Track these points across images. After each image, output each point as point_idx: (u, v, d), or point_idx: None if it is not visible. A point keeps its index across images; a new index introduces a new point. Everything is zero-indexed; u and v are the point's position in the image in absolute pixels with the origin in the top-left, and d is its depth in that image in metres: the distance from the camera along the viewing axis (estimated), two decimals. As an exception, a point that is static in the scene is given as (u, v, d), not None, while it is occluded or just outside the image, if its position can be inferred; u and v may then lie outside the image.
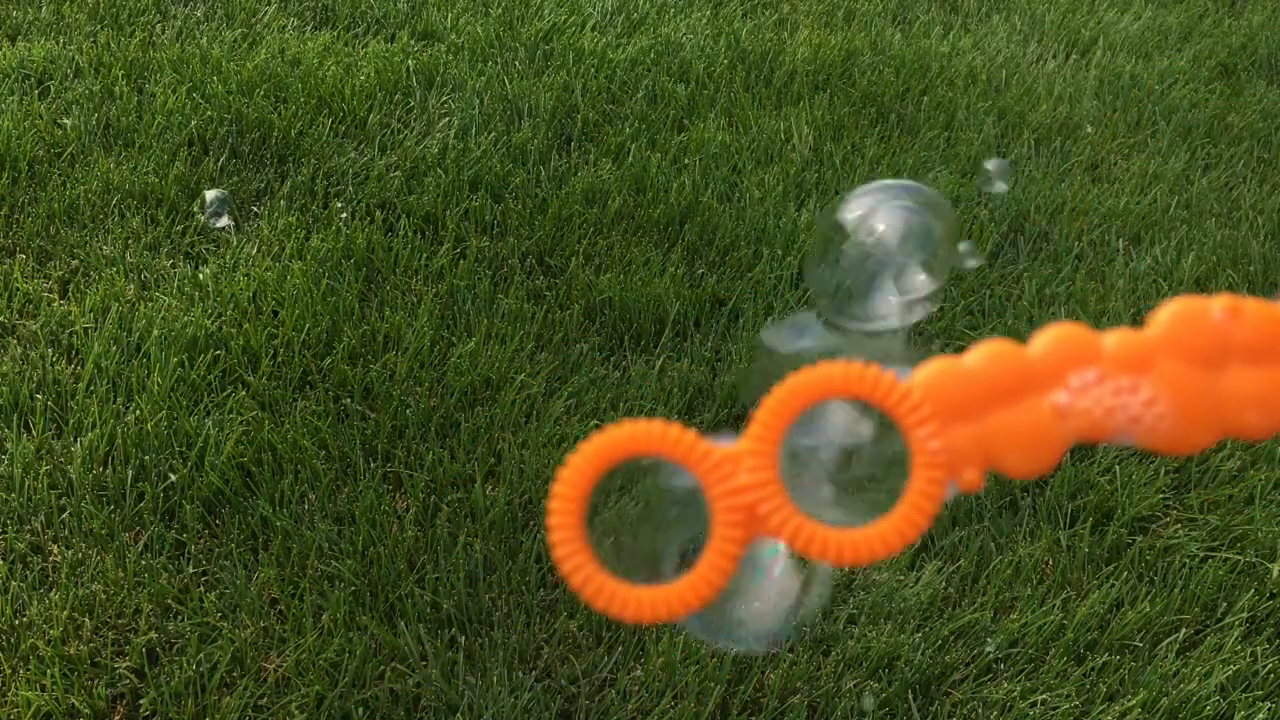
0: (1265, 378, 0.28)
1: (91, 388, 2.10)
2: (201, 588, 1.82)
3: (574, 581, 0.29)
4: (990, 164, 1.80)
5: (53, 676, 1.67)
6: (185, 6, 3.32)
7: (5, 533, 1.87)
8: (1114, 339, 0.29)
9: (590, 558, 0.28)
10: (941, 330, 2.46)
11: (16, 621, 1.74)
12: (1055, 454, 0.28)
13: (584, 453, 0.29)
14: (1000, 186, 1.79)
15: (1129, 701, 1.80)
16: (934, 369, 0.28)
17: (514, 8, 3.51)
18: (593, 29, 3.45)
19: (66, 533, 1.87)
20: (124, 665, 1.71)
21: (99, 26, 3.19)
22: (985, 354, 0.29)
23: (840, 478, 0.29)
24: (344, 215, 2.59)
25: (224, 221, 2.55)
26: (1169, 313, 0.29)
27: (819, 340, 0.33)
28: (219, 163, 2.72)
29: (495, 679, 1.72)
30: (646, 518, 0.30)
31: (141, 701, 1.68)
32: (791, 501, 0.27)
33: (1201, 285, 2.69)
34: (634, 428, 0.29)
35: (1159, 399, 0.28)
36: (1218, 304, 0.29)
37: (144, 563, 1.83)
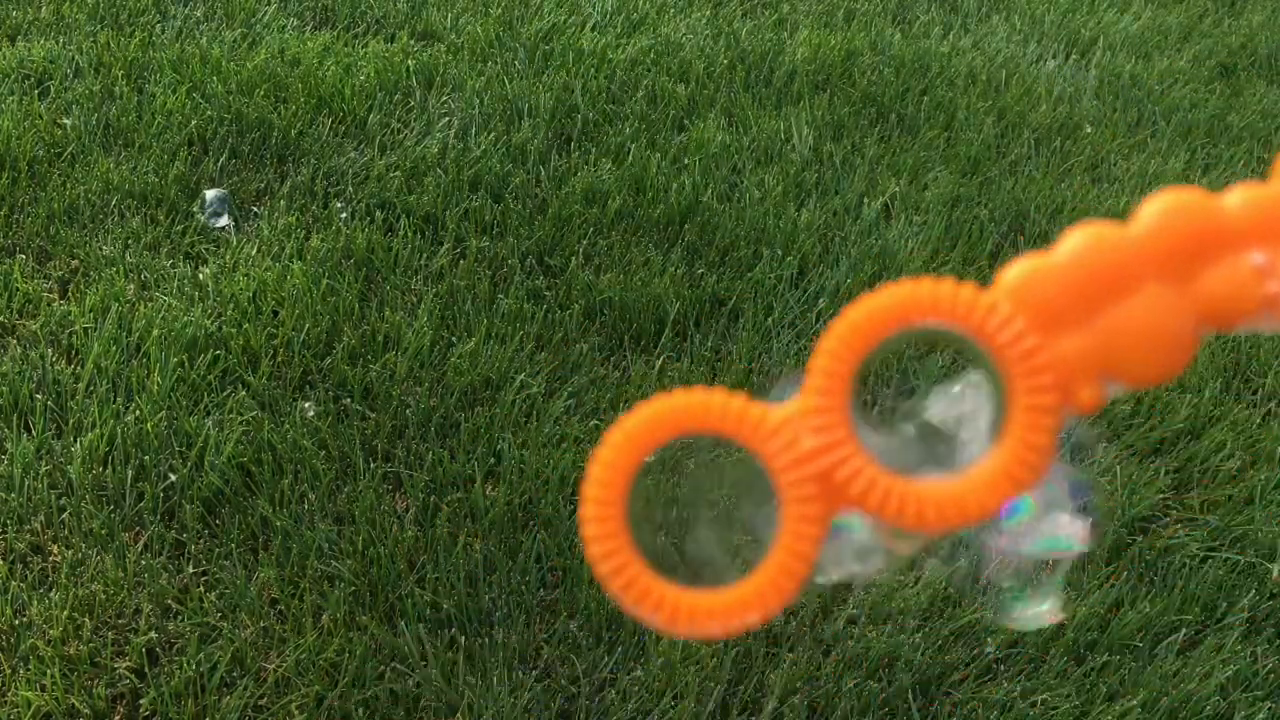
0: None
1: (91, 388, 2.10)
2: (201, 588, 1.82)
3: (626, 598, 0.24)
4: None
5: (53, 676, 1.67)
6: (185, 6, 3.32)
7: (5, 533, 1.87)
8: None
9: (640, 563, 0.23)
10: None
11: (16, 621, 1.74)
12: (1189, 351, 0.24)
13: (623, 431, 0.25)
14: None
15: (1129, 702, 1.80)
16: (1021, 269, 0.24)
17: (514, 8, 3.50)
18: (593, 29, 3.45)
19: (66, 533, 1.87)
20: (124, 665, 1.71)
21: (99, 26, 3.19)
22: (1083, 240, 0.24)
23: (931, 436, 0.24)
24: (344, 215, 2.59)
25: (224, 221, 2.55)
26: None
27: None
28: (219, 163, 2.72)
29: (495, 679, 1.72)
30: (701, 507, 0.26)
31: (141, 701, 1.68)
32: (874, 461, 0.23)
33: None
34: (675, 402, 0.25)
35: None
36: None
37: (144, 563, 1.83)
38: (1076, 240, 0.23)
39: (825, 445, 0.22)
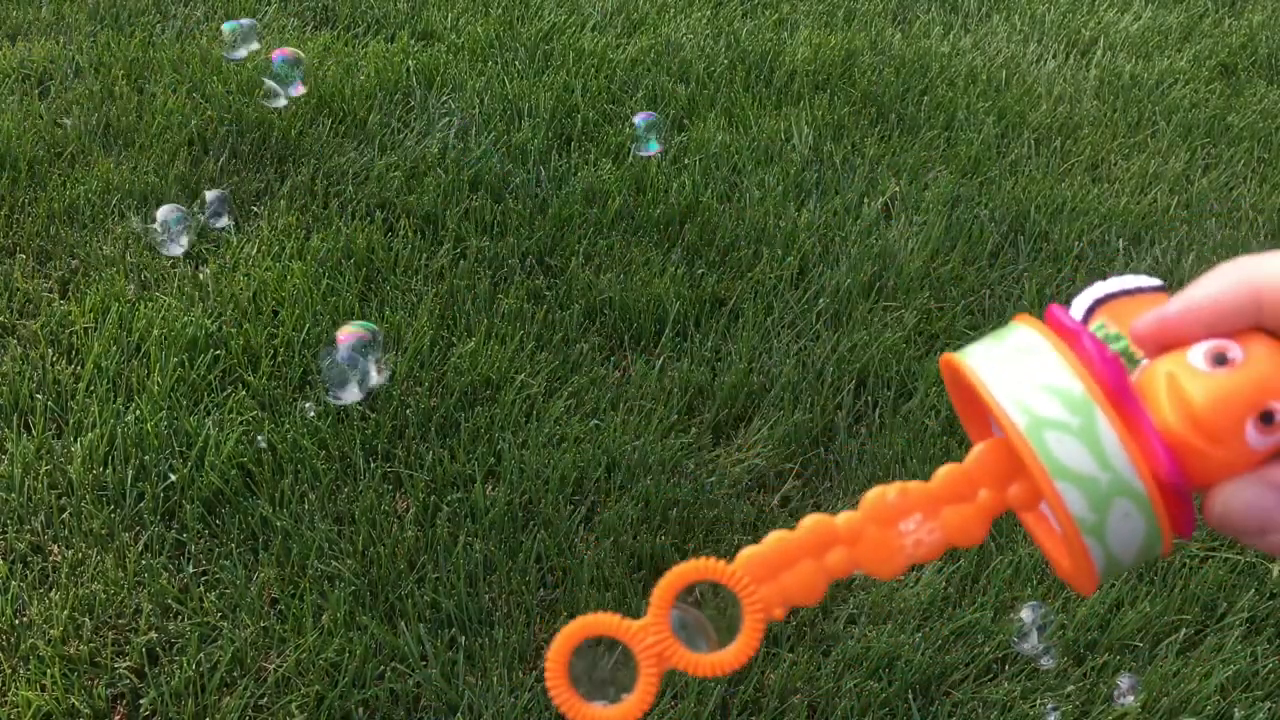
0: (964, 511, 0.44)
1: (91, 388, 2.10)
2: (201, 588, 1.82)
3: (564, 711, 0.45)
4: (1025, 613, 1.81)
5: (53, 676, 1.67)
6: (185, 6, 3.32)
7: (5, 533, 1.87)
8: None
9: (574, 694, 0.44)
10: (942, 329, 2.46)
11: (16, 621, 1.74)
12: (822, 591, 0.44)
13: (563, 632, 0.45)
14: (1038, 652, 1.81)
15: (1129, 701, 1.80)
16: (749, 552, 0.44)
17: (514, 8, 3.51)
18: (593, 29, 3.45)
19: (66, 533, 1.87)
20: (124, 665, 1.71)
21: (99, 26, 3.19)
22: (781, 539, 0.45)
23: (703, 623, 0.45)
24: (343, 221, 2.60)
25: (224, 221, 2.55)
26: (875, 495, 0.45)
27: None
28: (219, 163, 2.72)
29: (495, 679, 1.72)
30: (604, 667, 0.46)
31: (141, 701, 1.68)
32: (682, 646, 0.44)
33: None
34: (590, 619, 0.45)
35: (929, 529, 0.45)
36: (894, 488, 0.45)
37: (144, 563, 1.83)
38: (772, 538, 0.44)
39: (659, 641, 0.44)
